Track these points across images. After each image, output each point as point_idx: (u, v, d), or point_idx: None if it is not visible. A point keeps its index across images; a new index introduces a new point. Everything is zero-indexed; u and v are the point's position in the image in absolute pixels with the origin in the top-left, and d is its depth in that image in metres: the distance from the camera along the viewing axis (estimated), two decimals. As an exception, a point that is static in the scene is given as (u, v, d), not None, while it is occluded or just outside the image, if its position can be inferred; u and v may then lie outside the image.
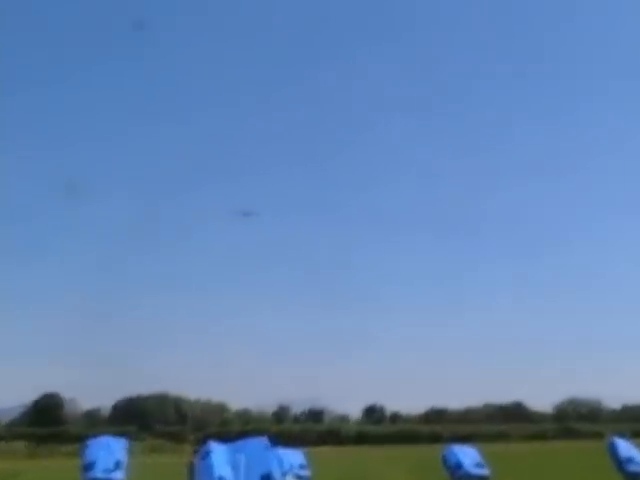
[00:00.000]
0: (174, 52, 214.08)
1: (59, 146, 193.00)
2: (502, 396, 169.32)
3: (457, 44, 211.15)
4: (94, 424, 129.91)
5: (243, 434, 12.60)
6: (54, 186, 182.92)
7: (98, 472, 15.04)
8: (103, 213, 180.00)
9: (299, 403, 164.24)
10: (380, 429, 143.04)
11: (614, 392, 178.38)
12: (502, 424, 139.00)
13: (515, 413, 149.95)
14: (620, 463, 16.05)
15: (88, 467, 15.15)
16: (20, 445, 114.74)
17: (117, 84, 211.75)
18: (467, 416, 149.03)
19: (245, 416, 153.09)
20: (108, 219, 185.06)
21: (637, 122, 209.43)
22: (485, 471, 16.37)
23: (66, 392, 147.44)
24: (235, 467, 10.58)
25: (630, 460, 16.05)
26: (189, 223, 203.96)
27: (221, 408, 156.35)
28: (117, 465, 15.28)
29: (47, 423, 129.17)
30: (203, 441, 11.30)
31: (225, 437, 12.25)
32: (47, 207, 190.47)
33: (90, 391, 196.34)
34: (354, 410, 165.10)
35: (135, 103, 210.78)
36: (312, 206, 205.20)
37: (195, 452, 11.15)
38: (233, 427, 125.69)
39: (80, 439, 24.21)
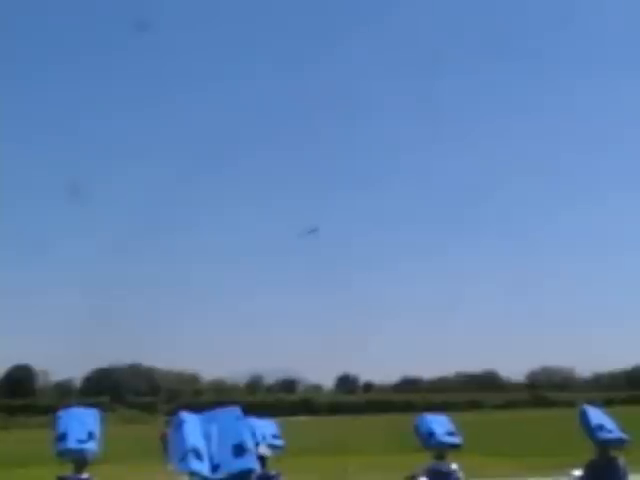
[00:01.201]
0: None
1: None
2: (475, 365, 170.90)
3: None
4: (66, 395, 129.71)
5: (216, 404, 12.54)
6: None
7: (71, 443, 14.90)
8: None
9: (272, 374, 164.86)
10: (353, 399, 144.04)
11: (586, 361, 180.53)
12: (475, 393, 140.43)
13: (488, 382, 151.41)
14: (591, 430, 16.12)
15: (60, 438, 15.01)
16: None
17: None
18: (440, 385, 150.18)
19: (218, 387, 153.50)
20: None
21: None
22: (457, 439, 16.40)
23: (37, 364, 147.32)
24: (207, 437, 10.52)
25: (601, 427, 16.12)
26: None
27: (194, 379, 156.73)
28: (90, 436, 15.15)
29: (19, 395, 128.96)
30: (176, 412, 11.21)
31: (198, 408, 12.17)
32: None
33: (62, 362, 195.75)
34: (327, 380, 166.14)
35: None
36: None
37: (168, 423, 11.06)
38: (206, 398, 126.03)
39: (52, 411, 24.00)
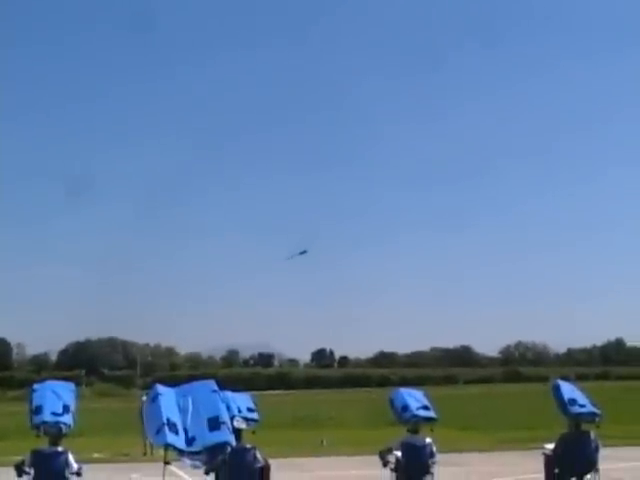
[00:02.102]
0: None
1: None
2: (450, 340, 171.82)
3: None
4: (42, 369, 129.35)
5: (192, 378, 12.59)
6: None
7: (46, 416, 14.86)
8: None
9: (248, 348, 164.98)
10: (330, 373, 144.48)
11: (559, 337, 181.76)
12: (450, 368, 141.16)
13: (462, 357, 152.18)
14: (564, 405, 16.26)
15: (36, 411, 14.96)
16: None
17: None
18: (415, 360, 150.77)
19: (194, 360, 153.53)
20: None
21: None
22: (431, 413, 16.48)
23: (13, 337, 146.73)
24: (183, 410, 10.55)
25: (573, 402, 16.26)
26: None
27: (170, 353, 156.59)
28: (65, 409, 15.10)
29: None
30: (152, 385, 11.23)
31: (174, 381, 12.21)
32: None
33: (37, 336, 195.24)
34: (303, 354, 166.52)
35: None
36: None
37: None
38: (182, 371, 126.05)
39: (27, 384, 24.01)
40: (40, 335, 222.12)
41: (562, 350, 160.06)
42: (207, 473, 11.13)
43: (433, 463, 15.92)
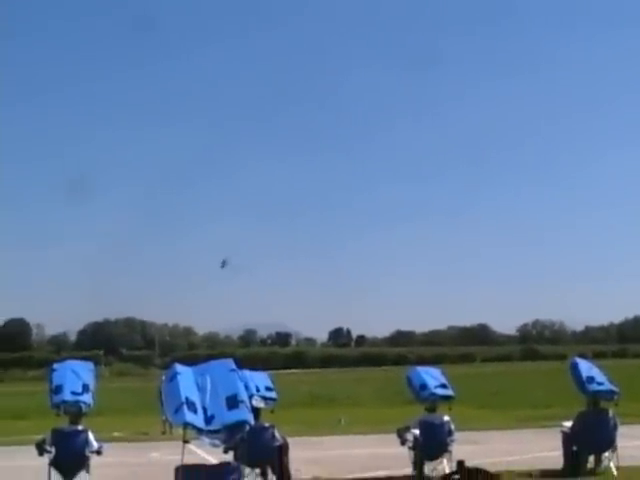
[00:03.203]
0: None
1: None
2: (467, 319, 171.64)
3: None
4: (61, 349, 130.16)
5: (210, 358, 12.65)
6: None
7: (66, 395, 15.02)
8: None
9: (265, 327, 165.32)
10: (346, 352, 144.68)
11: (577, 314, 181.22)
12: (467, 346, 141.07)
13: (480, 335, 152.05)
14: (581, 383, 16.28)
15: (56, 390, 15.12)
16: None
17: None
18: (432, 338, 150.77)
19: (212, 340, 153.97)
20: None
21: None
22: (449, 392, 16.53)
23: (33, 317, 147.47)
24: (201, 389, 10.58)
25: (591, 380, 16.28)
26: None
27: (188, 332, 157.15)
28: (85, 388, 15.26)
29: (14, 348, 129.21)
30: (170, 365, 11.29)
31: (192, 361, 12.26)
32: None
33: (56, 316, 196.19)
34: (320, 334, 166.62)
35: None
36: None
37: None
38: (200, 351, 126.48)
39: (47, 364, 24.16)
40: (59, 316, 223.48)
41: (579, 328, 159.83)
42: (226, 451, 11.20)
43: (451, 441, 15.99)
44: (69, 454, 14.83)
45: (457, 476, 14.42)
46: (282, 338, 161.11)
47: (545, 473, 16.39)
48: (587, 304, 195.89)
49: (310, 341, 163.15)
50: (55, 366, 15.80)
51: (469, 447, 17.75)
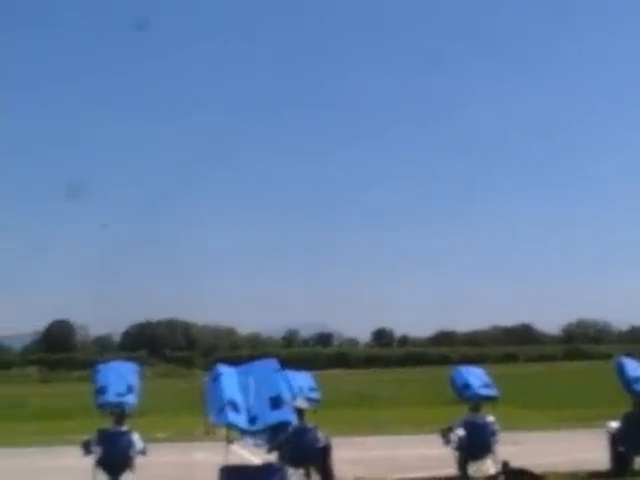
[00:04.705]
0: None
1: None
2: (510, 319, 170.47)
3: None
4: (104, 350, 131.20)
5: (253, 358, 12.66)
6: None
7: (110, 396, 15.15)
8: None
9: (307, 328, 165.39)
10: (389, 352, 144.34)
11: (622, 313, 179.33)
12: (510, 346, 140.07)
13: (523, 335, 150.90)
14: (628, 383, 16.08)
15: (100, 391, 15.26)
16: (33, 370, 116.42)
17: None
18: (475, 338, 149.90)
19: (254, 340, 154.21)
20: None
21: None
22: (493, 392, 16.43)
23: (77, 319, 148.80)
24: (244, 390, 10.59)
25: (638, 380, 16.09)
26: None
27: (230, 333, 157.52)
28: (129, 389, 15.38)
29: (58, 349, 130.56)
30: (213, 366, 11.32)
31: (234, 361, 12.27)
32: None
33: (101, 317, 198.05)
34: (363, 334, 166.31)
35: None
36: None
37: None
38: (242, 351, 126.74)
39: (91, 365, 24.35)
40: (102, 317, 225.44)
41: (625, 327, 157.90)
42: (269, 452, 11.21)
43: (495, 441, 15.88)
44: (115, 454, 14.96)
45: (502, 477, 14.34)
46: (324, 338, 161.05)
47: (592, 474, 16.25)
48: (633, 303, 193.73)
49: (352, 341, 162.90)
50: (100, 367, 15.93)
51: (513, 447, 17.63)
